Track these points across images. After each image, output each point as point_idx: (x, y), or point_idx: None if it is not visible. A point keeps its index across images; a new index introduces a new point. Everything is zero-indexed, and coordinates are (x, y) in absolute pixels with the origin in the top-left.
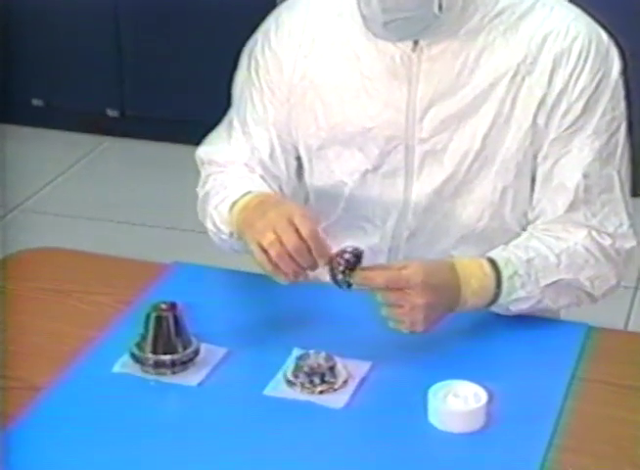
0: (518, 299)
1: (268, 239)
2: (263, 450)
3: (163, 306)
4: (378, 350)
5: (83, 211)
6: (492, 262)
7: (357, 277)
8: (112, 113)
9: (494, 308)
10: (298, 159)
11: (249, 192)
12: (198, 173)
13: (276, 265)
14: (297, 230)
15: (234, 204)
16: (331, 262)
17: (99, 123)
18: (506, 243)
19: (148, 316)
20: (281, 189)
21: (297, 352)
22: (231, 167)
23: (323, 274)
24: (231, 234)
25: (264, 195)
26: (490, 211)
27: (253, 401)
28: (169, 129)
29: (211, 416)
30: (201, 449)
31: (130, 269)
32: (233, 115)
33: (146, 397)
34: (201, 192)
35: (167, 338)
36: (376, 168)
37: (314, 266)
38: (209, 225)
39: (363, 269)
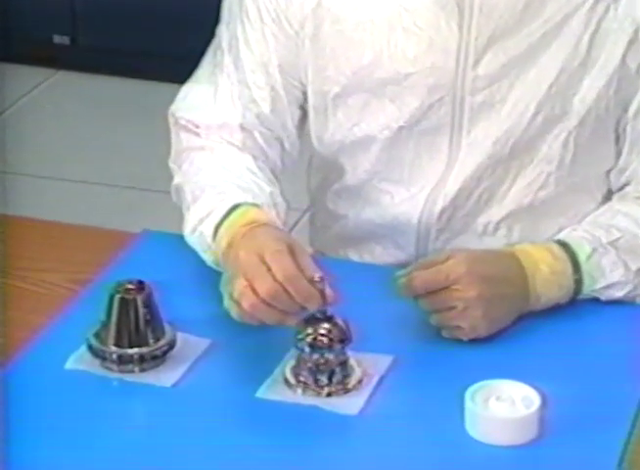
0: (609, 285)
1: (238, 288)
2: (256, 469)
3: (130, 286)
4: (401, 341)
5: (27, 166)
6: (562, 244)
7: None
8: (60, 39)
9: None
10: (302, 108)
11: (234, 208)
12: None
13: (253, 317)
14: (270, 270)
15: (218, 228)
16: (301, 327)
17: (44, 53)
18: (574, 219)
19: (110, 299)
20: (283, 150)
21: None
22: (214, 138)
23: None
24: (217, 264)
25: (247, 219)
26: (557, 177)
27: (244, 407)
28: (132, 61)
29: (190, 425)
30: (176, 467)
31: (87, 240)
32: (221, 55)
33: (107, 400)
34: (175, 174)
35: (135, 326)
36: (413, 125)
37: (302, 310)
38: (189, 233)
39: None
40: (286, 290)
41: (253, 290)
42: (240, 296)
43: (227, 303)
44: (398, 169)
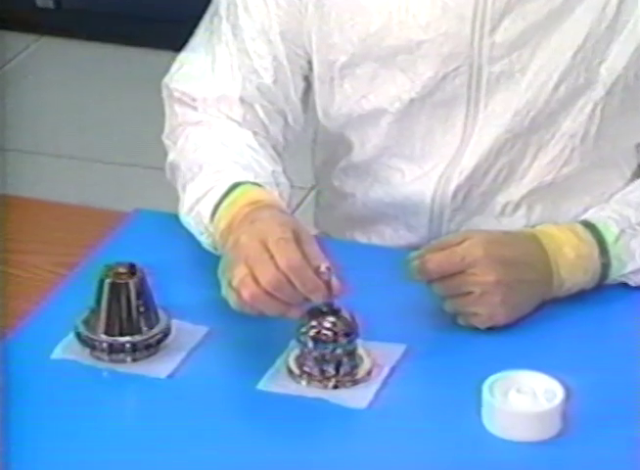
0: (639, 269)
1: (238, 276)
2: (256, 467)
3: (121, 270)
4: (413, 329)
5: (8, 140)
6: (588, 225)
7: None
8: (44, 3)
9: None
10: (306, 79)
11: (234, 187)
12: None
13: (253, 308)
14: (273, 258)
15: (216, 208)
16: (304, 319)
17: (27, 18)
18: (600, 198)
19: (100, 283)
20: (286, 125)
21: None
22: (212, 112)
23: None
24: (215, 248)
25: (248, 199)
26: (582, 152)
27: (244, 400)
28: (123, 26)
29: (186, 419)
30: (171, 466)
31: (74, 219)
32: (219, 22)
33: (97, 392)
34: (170, 151)
35: (127, 313)
36: (425, 97)
37: (306, 301)
38: (185, 213)
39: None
40: (289, 280)
41: (255, 279)
42: (240, 284)
43: (225, 291)
44: (410, 145)
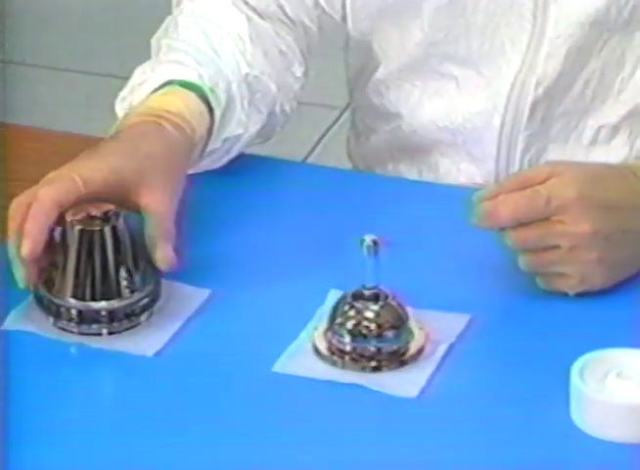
0: None
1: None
2: None
3: (94, 213)
4: (479, 294)
5: None
6: None
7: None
8: None
9: None
10: None
11: (166, 85)
12: None
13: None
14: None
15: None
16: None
17: None
18: None
19: (65, 231)
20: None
21: (334, 295)
22: None
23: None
24: None
25: (156, 107)
26: None
27: (256, 385)
28: None
29: (179, 410)
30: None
31: (26, 146)
32: None
33: (63, 375)
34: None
35: (102, 270)
36: None
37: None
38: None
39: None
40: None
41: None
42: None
43: None
44: (464, 41)
